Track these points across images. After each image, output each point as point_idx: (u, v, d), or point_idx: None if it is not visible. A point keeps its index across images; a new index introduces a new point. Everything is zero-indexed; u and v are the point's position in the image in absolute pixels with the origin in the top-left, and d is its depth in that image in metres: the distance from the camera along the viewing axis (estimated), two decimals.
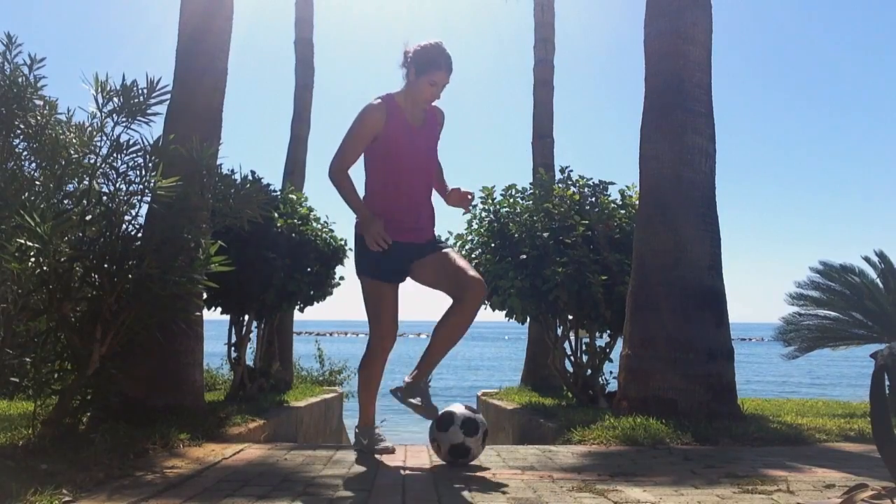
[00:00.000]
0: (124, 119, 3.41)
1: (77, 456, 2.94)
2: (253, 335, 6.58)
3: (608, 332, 6.09)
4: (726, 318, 4.65)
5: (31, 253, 2.86)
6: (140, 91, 3.39)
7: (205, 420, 4.18)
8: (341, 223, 6.92)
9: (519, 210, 6.20)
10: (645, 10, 4.97)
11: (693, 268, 4.57)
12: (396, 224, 3.24)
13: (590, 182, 6.29)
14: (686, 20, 4.78)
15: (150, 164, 3.43)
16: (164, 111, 4.10)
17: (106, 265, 3.35)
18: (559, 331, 6.30)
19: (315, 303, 6.73)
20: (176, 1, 4.76)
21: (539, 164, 9.22)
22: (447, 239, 6.48)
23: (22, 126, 3.33)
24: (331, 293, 6.85)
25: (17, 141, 3.37)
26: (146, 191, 3.45)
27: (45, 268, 3.00)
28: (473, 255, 6.30)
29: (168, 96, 3.54)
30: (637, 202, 5.26)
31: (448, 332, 3.22)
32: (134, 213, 3.53)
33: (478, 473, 2.93)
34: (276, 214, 5.92)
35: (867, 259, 6.84)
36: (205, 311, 5.18)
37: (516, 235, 5.97)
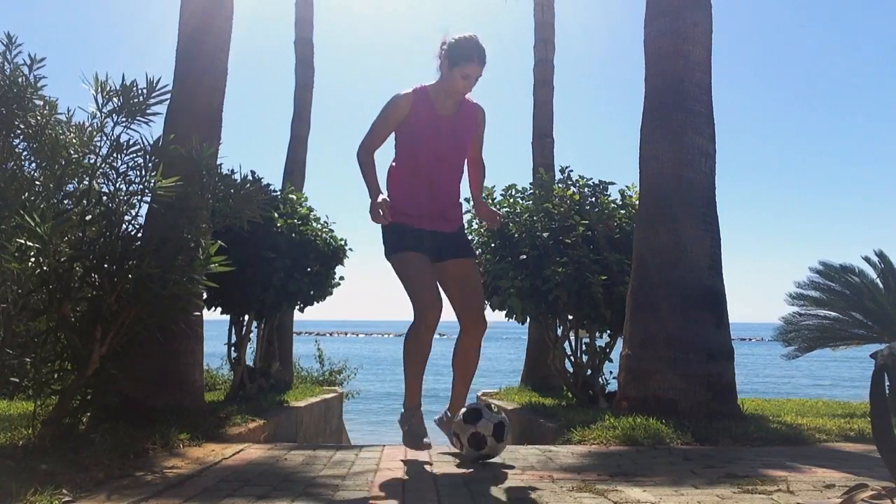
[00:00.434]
0: (124, 119, 3.41)
1: (77, 456, 2.94)
2: (253, 335, 6.58)
3: (608, 332, 6.09)
4: (726, 318, 4.65)
5: (31, 253, 2.86)
6: (140, 91, 3.39)
7: (205, 420, 4.18)
8: (341, 223, 6.93)
9: (519, 210, 6.19)
10: (645, 10, 4.97)
11: (693, 268, 4.57)
12: (416, 211, 3.26)
13: (590, 182, 6.29)
14: (686, 20, 4.78)
15: (150, 164, 3.42)
16: (164, 111, 4.10)
17: (106, 265, 3.35)
18: (559, 331, 6.30)
19: (315, 303, 6.73)
20: (176, 1, 4.76)
21: (539, 164, 9.22)
22: None
23: (22, 126, 3.33)
24: (331, 293, 6.85)
25: (17, 141, 3.37)
26: (146, 191, 3.44)
27: (45, 268, 3.00)
28: None
29: (168, 96, 3.54)
30: (637, 202, 5.26)
31: (461, 369, 3.41)
32: (134, 213, 3.53)
33: (478, 473, 2.93)
34: (276, 214, 5.92)
35: (867, 259, 6.84)
36: (205, 311, 5.19)
37: (516, 235, 5.97)
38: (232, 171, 4.93)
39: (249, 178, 5.80)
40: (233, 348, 6.47)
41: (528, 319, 6.72)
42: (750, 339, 63.75)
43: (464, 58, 3.16)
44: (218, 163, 3.86)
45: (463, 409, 3.28)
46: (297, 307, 6.80)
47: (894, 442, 2.10)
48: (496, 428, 3.12)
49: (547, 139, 9.61)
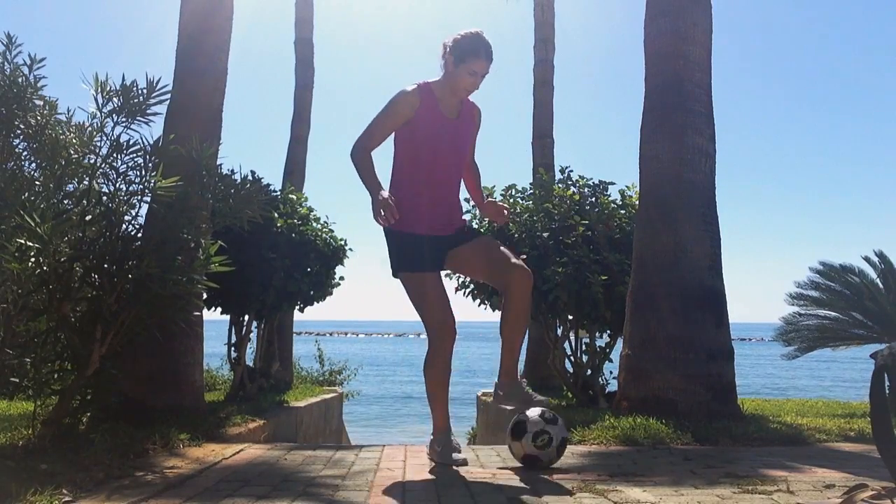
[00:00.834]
0: (124, 119, 3.41)
1: (77, 456, 2.94)
2: (253, 335, 6.58)
3: (608, 332, 6.09)
4: (726, 318, 4.65)
5: (31, 253, 2.86)
6: (140, 91, 3.39)
7: (205, 420, 4.18)
8: (341, 223, 6.93)
9: (519, 210, 6.19)
10: (645, 10, 4.97)
11: (693, 268, 4.57)
12: (416, 216, 3.14)
13: (590, 182, 6.28)
14: (686, 20, 4.78)
15: (150, 164, 3.43)
16: (164, 111, 4.10)
17: (106, 265, 3.35)
18: (559, 331, 6.30)
19: (315, 303, 6.72)
20: (176, 1, 4.76)
21: (539, 164, 9.22)
22: None
23: (22, 126, 3.33)
24: (331, 293, 6.85)
25: (17, 141, 3.37)
26: (146, 191, 3.45)
27: (45, 268, 3.00)
28: None
29: (168, 96, 3.54)
30: (637, 202, 5.26)
31: (510, 327, 3.18)
32: (134, 213, 3.53)
33: (478, 473, 2.93)
34: (276, 214, 5.92)
35: (867, 259, 6.83)
36: (205, 311, 5.18)
37: (516, 235, 5.97)
38: (232, 171, 4.92)
39: (249, 178, 5.79)
40: (233, 348, 6.46)
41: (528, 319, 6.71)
42: (750, 339, 63.76)
43: (471, 53, 3.07)
44: (218, 163, 3.86)
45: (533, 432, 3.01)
46: (297, 307, 6.79)
47: (894, 442, 2.10)
48: (560, 445, 3.04)
49: (547, 139, 9.61)
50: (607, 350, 6.08)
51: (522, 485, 2.69)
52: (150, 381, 4.21)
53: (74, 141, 3.37)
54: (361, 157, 3.14)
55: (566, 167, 6.46)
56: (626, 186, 6.24)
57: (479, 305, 6.33)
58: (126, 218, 3.48)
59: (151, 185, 3.34)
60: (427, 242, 3.14)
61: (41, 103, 3.39)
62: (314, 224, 6.49)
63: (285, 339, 8.16)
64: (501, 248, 3.24)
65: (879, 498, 2.05)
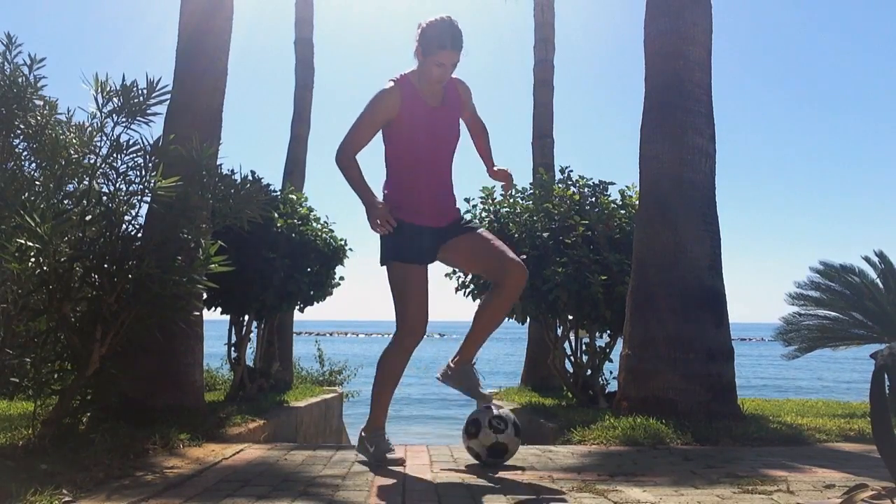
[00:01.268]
0: (124, 119, 3.41)
1: (77, 456, 2.94)
2: (253, 335, 6.58)
3: (608, 332, 6.09)
4: (726, 318, 4.65)
5: (31, 253, 2.86)
6: (140, 91, 3.39)
7: (205, 420, 4.18)
8: (341, 223, 6.93)
9: (519, 210, 6.20)
10: (645, 10, 4.98)
11: (693, 268, 4.57)
12: (416, 207, 3.12)
13: (590, 182, 6.29)
14: (686, 20, 4.78)
15: (150, 165, 3.42)
16: (164, 111, 4.10)
17: (106, 265, 3.35)
18: (559, 331, 6.30)
19: (315, 303, 6.72)
20: (176, 1, 4.76)
21: (539, 164, 9.22)
22: None
23: (22, 126, 3.33)
24: (331, 293, 6.85)
25: (17, 141, 3.37)
26: (146, 191, 3.44)
27: (45, 268, 3.00)
28: None
29: (168, 96, 3.54)
30: (637, 202, 5.26)
31: (490, 314, 3.18)
32: (134, 213, 3.53)
33: (478, 474, 2.93)
34: (276, 214, 5.92)
35: (867, 259, 6.84)
36: (205, 311, 5.18)
37: (516, 235, 5.97)
38: (232, 171, 4.91)
39: (249, 178, 5.80)
40: (233, 348, 6.47)
41: (528, 319, 6.72)
42: (750, 339, 63.74)
43: (437, 45, 2.97)
44: (218, 163, 3.86)
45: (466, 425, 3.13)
46: (297, 307, 6.79)
47: (894, 442, 2.10)
48: (515, 429, 3.07)
49: (547, 139, 9.61)
50: (607, 350, 6.09)
51: (522, 485, 2.69)
52: (150, 381, 4.21)
53: (74, 141, 3.37)
54: (348, 163, 3.14)
55: (566, 167, 6.47)
56: (626, 186, 6.25)
57: None
58: (126, 218, 3.47)
59: (151, 185, 3.34)
60: (424, 233, 3.13)
61: (41, 103, 3.39)
62: (314, 224, 6.49)
63: (285, 339, 8.16)
64: (498, 241, 3.23)
65: (879, 498, 2.05)
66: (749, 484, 2.67)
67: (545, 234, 5.83)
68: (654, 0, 4.92)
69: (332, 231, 6.69)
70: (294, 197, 6.52)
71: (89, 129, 3.40)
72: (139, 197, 3.51)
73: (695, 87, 4.76)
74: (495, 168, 3.47)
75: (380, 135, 3.19)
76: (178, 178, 3.30)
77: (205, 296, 4.99)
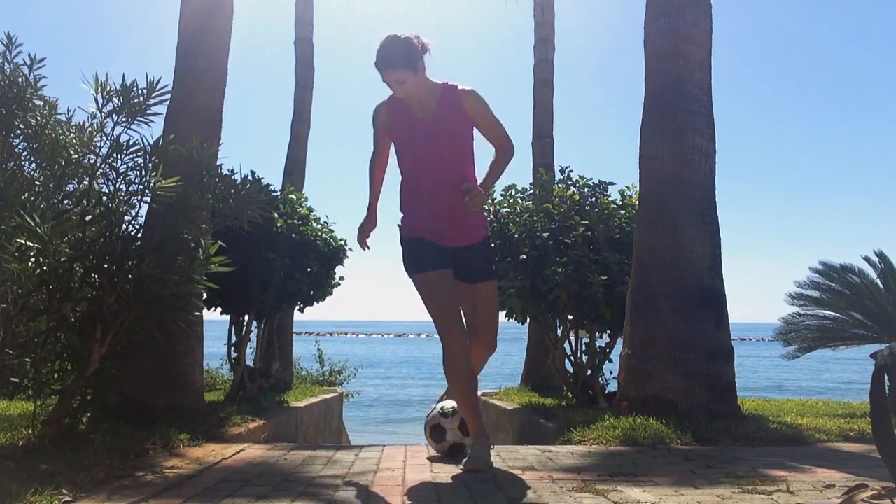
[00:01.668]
0: (124, 119, 3.41)
1: (77, 456, 2.94)
2: (253, 335, 6.58)
3: (608, 332, 6.09)
4: (726, 318, 4.65)
5: (31, 253, 2.86)
6: (140, 91, 3.39)
7: (205, 420, 4.18)
8: (341, 223, 6.93)
9: (519, 210, 6.19)
10: (645, 10, 4.97)
11: (693, 268, 4.57)
12: (415, 222, 3.09)
13: (590, 182, 6.29)
14: (686, 20, 4.78)
15: (150, 165, 3.42)
16: (164, 111, 4.10)
17: (106, 265, 3.35)
18: (559, 331, 6.30)
19: (315, 303, 6.72)
20: (176, 1, 4.76)
21: (539, 164, 9.22)
22: None
23: (22, 126, 3.33)
24: (331, 293, 6.85)
25: (17, 141, 3.37)
26: (146, 191, 3.44)
27: (45, 268, 3.00)
28: None
29: (168, 96, 3.54)
30: (637, 202, 5.26)
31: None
32: (134, 214, 3.53)
33: (478, 474, 2.93)
34: (276, 214, 5.92)
35: (867, 259, 6.85)
36: (205, 311, 5.18)
37: (516, 235, 5.97)
38: (232, 171, 4.92)
39: (249, 178, 5.80)
40: (233, 348, 6.46)
41: (528, 319, 6.72)
42: (750, 339, 63.73)
43: (377, 69, 2.98)
44: (218, 163, 3.86)
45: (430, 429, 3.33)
46: (297, 307, 6.79)
47: (894, 442, 2.09)
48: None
49: (547, 139, 9.61)
50: (607, 350, 6.08)
51: (522, 485, 2.69)
52: (150, 381, 4.21)
53: (74, 141, 3.37)
54: (369, 172, 3.30)
55: (566, 167, 6.47)
56: (626, 186, 6.25)
57: None
58: (126, 218, 3.48)
59: (151, 185, 3.34)
60: (427, 245, 3.06)
61: (41, 103, 3.39)
62: (314, 224, 6.49)
63: (285, 339, 8.16)
64: (494, 310, 3.23)
65: (879, 498, 2.04)
66: (749, 484, 2.67)
67: (545, 234, 5.82)
68: (654, 0, 4.92)
69: (332, 231, 6.69)
70: (294, 197, 6.53)
71: (89, 129, 3.40)
72: (139, 197, 3.51)
73: (695, 87, 4.76)
74: (466, 188, 3.08)
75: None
76: (178, 178, 3.30)
77: (205, 296, 4.99)
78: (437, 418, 3.29)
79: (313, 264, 6.34)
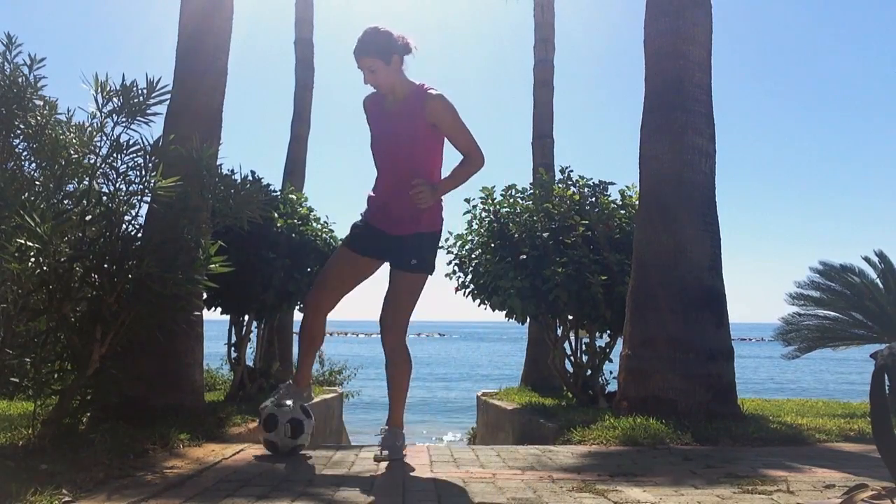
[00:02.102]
0: (124, 119, 3.41)
1: (77, 456, 2.93)
2: (253, 335, 6.58)
3: (608, 332, 6.09)
4: (726, 318, 4.65)
5: (31, 253, 2.85)
6: (140, 91, 3.39)
7: (205, 420, 4.18)
8: (341, 223, 6.93)
9: (519, 210, 6.20)
10: (645, 10, 4.98)
11: (693, 268, 4.57)
12: (370, 205, 3.39)
13: (590, 182, 6.29)
14: (686, 20, 4.78)
15: (150, 165, 3.42)
16: (164, 111, 4.10)
17: (106, 265, 3.35)
18: (559, 331, 6.30)
19: None
20: (176, 1, 4.76)
21: (539, 164, 9.22)
22: (447, 239, 6.47)
23: (22, 126, 3.32)
24: None
25: (17, 141, 3.36)
26: (146, 191, 3.44)
27: (45, 268, 3.00)
28: (473, 255, 6.29)
29: (168, 96, 3.53)
30: (637, 202, 5.26)
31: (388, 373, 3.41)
32: (134, 213, 3.52)
33: (478, 474, 2.93)
34: (276, 214, 5.92)
35: (867, 259, 6.85)
36: (205, 311, 5.18)
37: (516, 235, 5.97)
38: (232, 171, 4.92)
39: (249, 178, 5.79)
40: (233, 348, 6.46)
41: (528, 319, 6.72)
42: (750, 339, 63.74)
43: (354, 56, 3.23)
44: (218, 163, 3.86)
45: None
46: (297, 307, 6.79)
47: (894, 442, 2.09)
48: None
49: (547, 139, 9.61)
50: (607, 350, 6.09)
51: (522, 485, 2.69)
52: (150, 381, 4.21)
53: (74, 141, 3.37)
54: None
55: (566, 167, 6.47)
56: (626, 186, 6.25)
57: (479, 305, 6.33)
58: (126, 218, 3.47)
59: (151, 185, 3.34)
60: (364, 226, 3.36)
61: (41, 103, 3.38)
62: (314, 224, 6.49)
63: (285, 339, 8.15)
64: (397, 300, 3.29)
65: (879, 498, 2.04)
66: (749, 484, 2.67)
67: (545, 234, 5.83)
68: (655, 0, 4.93)
69: (332, 231, 6.69)
70: (294, 197, 6.52)
71: (89, 129, 3.39)
72: (139, 197, 3.50)
73: (695, 87, 4.76)
74: (416, 181, 3.16)
75: None
76: (178, 178, 3.30)
77: (205, 296, 4.99)
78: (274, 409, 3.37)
79: (313, 264, 6.33)
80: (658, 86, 4.86)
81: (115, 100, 3.36)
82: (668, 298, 4.55)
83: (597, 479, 2.81)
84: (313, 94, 9.59)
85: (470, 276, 6.32)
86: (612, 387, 5.53)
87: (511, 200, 6.31)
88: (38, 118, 3.35)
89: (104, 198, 3.42)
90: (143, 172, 3.43)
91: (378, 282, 3.46)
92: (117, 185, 3.47)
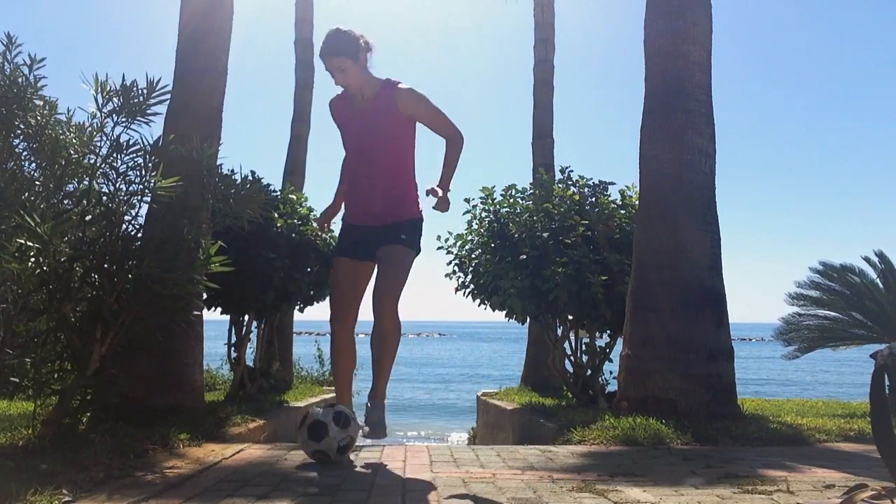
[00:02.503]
0: (124, 119, 3.41)
1: (77, 456, 2.93)
2: (253, 335, 6.58)
3: (608, 332, 6.09)
4: (726, 318, 4.65)
5: (31, 253, 2.85)
6: (140, 91, 3.39)
7: (205, 420, 4.18)
8: (341, 223, 6.92)
9: (519, 210, 6.19)
10: (645, 10, 4.97)
11: (693, 268, 4.57)
12: (351, 207, 3.47)
13: (590, 182, 6.29)
14: (686, 20, 4.78)
15: (150, 164, 3.42)
16: (164, 111, 4.10)
17: (106, 265, 3.35)
18: (559, 331, 6.30)
19: (315, 303, 6.72)
20: (176, 1, 4.76)
21: (539, 164, 9.22)
22: (447, 239, 6.47)
23: (22, 126, 3.32)
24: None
25: (17, 141, 3.36)
26: (146, 191, 3.44)
27: (45, 268, 3.00)
28: (473, 255, 6.29)
29: (168, 96, 3.53)
30: (637, 202, 5.26)
31: (373, 344, 3.41)
32: (134, 213, 3.52)
33: (478, 474, 2.93)
34: (276, 215, 5.92)
35: (867, 259, 6.84)
36: (205, 311, 5.18)
37: (516, 235, 5.97)
38: (232, 171, 4.93)
39: (249, 178, 5.79)
40: (233, 348, 6.46)
41: (528, 319, 6.72)
42: (750, 339, 63.73)
43: (321, 57, 3.38)
44: (218, 163, 3.86)
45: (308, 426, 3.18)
46: (297, 307, 6.79)
47: (894, 442, 2.09)
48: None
49: (547, 139, 9.60)
50: (607, 350, 6.08)
51: (523, 485, 2.69)
52: (150, 381, 4.21)
53: (74, 141, 3.37)
54: (342, 163, 3.62)
55: (566, 167, 6.47)
56: (626, 186, 6.25)
57: (479, 305, 6.33)
58: (126, 218, 3.47)
59: (151, 185, 3.34)
60: (350, 231, 3.44)
61: (41, 103, 3.38)
62: (314, 224, 6.48)
63: (285, 339, 8.15)
64: (391, 267, 3.31)
65: (879, 498, 2.04)
66: (749, 484, 2.67)
67: (545, 234, 5.82)
68: (655, 0, 4.92)
69: (332, 231, 6.68)
70: (294, 197, 6.52)
71: (89, 129, 3.39)
72: (139, 197, 3.50)
73: (695, 87, 4.76)
74: (436, 189, 3.25)
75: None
76: (178, 178, 3.30)
77: (205, 296, 4.99)
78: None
79: (313, 264, 6.34)
80: (658, 86, 4.86)
81: (115, 100, 3.36)
82: (668, 298, 4.55)
83: (597, 479, 2.81)
84: (313, 94, 9.58)
85: (470, 276, 6.31)
86: (612, 387, 5.53)
87: (511, 200, 6.31)
88: (38, 118, 3.35)
89: (104, 198, 3.42)
90: (143, 172, 3.43)
91: None
92: (117, 185, 3.47)
